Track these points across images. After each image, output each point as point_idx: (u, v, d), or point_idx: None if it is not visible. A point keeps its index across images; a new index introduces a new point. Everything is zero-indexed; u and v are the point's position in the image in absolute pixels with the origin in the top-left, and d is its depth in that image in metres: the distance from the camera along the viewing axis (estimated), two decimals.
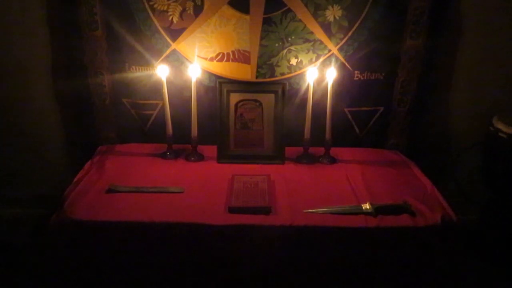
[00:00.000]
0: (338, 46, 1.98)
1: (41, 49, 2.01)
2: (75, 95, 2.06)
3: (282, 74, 2.02)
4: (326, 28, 1.94)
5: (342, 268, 1.60)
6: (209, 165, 1.95)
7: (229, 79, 2.01)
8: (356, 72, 2.02)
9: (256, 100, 1.97)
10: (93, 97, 2.05)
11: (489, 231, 2.12)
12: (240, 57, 1.99)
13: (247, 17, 1.92)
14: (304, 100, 1.94)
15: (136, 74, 2.02)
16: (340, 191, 1.75)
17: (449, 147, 2.24)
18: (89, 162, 1.93)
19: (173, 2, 1.89)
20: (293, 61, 2.00)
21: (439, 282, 1.62)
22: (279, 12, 1.91)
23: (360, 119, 2.13)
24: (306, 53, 1.99)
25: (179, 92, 2.01)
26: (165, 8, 1.90)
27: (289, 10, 1.91)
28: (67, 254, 1.58)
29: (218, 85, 1.96)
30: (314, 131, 1.96)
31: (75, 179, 1.78)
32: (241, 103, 1.97)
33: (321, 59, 2.00)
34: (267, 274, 1.61)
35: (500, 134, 1.92)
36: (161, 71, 1.89)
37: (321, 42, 1.97)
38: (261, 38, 1.96)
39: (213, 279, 1.62)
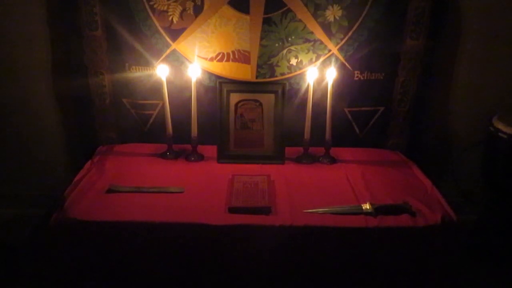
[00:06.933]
0: (338, 46, 1.98)
1: (41, 49, 2.02)
2: (75, 95, 2.06)
3: (282, 74, 2.02)
4: (326, 28, 1.94)
5: (342, 268, 1.60)
6: (209, 165, 1.95)
7: (229, 79, 2.01)
8: (356, 72, 2.02)
9: (256, 100, 1.97)
10: (93, 97, 2.04)
11: (489, 231, 2.12)
12: (240, 57, 1.99)
13: (247, 17, 1.92)
14: (304, 100, 1.94)
15: (136, 74, 2.02)
16: (340, 191, 1.75)
17: (449, 147, 2.24)
18: (89, 162, 1.93)
19: (173, 2, 1.89)
20: (293, 61, 2.00)
21: (439, 282, 1.62)
22: (279, 12, 1.91)
23: (360, 119, 2.13)
24: (306, 53, 1.99)
25: (179, 92, 2.01)
26: (165, 8, 1.90)
27: (289, 10, 1.91)
28: (67, 254, 1.58)
29: (218, 85, 1.95)
30: (314, 131, 1.96)
31: (75, 179, 1.78)
32: (241, 103, 1.97)
33: (321, 59, 2.00)
34: (267, 274, 1.61)
35: (500, 134, 1.92)
36: (161, 71, 1.89)
37: (321, 42, 1.97)
38: (261, 38, 1.96)
39: (213, 279, 1.62)
